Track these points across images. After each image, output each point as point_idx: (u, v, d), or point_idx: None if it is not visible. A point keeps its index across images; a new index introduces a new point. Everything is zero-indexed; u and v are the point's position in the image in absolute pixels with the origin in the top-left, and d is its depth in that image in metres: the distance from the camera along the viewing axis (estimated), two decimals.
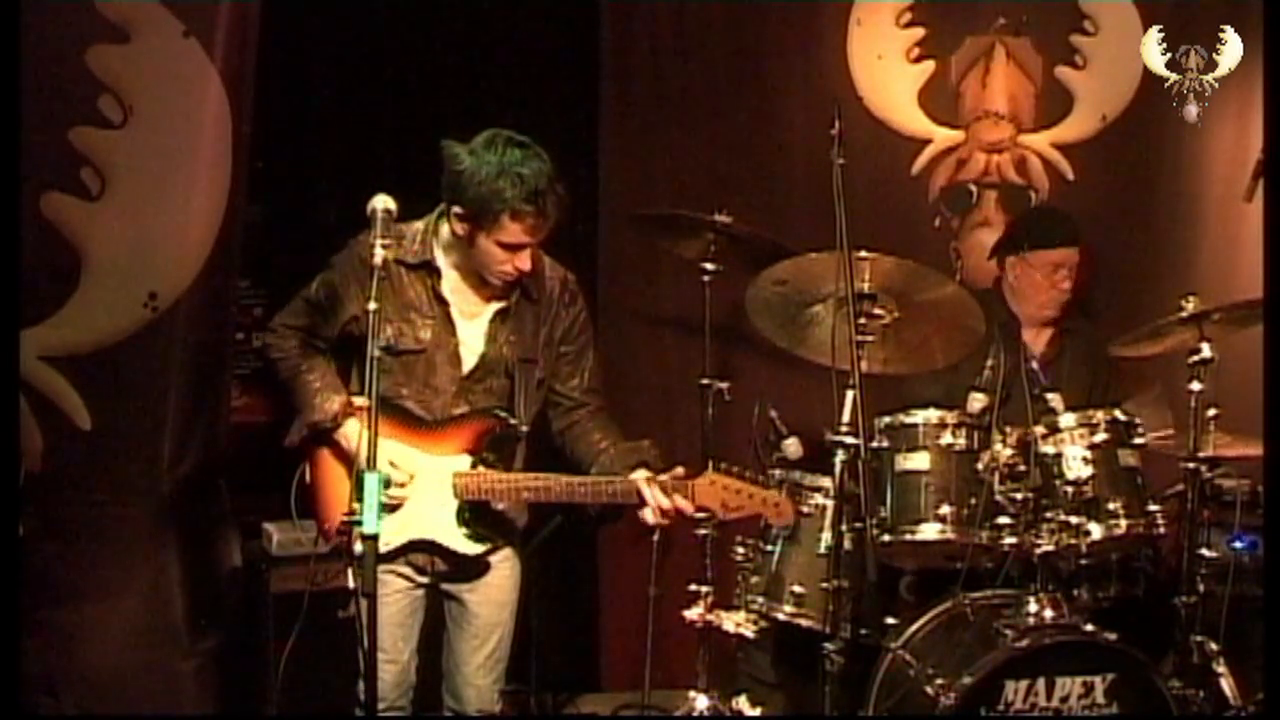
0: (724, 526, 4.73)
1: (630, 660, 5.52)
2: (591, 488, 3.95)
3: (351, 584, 3.76)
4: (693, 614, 4.64)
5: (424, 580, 4.09)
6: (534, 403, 4.08)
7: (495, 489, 3.94)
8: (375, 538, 3.42)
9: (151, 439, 5.02)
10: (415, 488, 3.92)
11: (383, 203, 3.63)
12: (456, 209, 3.85)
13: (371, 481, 3.39)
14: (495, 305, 4.01)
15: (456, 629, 4.16)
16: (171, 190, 5.09)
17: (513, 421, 3.99)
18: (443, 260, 3.98)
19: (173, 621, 5.05)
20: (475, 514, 3.98)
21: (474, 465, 3.95)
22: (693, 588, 4.66)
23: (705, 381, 4.70)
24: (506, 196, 3.75)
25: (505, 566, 4.14)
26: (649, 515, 3.93)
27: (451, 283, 3.99)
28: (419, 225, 3.99)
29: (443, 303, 3.97)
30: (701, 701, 4.68)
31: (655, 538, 5.20)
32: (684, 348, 5.44)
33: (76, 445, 5.04)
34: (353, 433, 3.89)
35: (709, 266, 4.74)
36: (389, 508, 3.84)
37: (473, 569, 4.07)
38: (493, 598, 4.14)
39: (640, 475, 3.92)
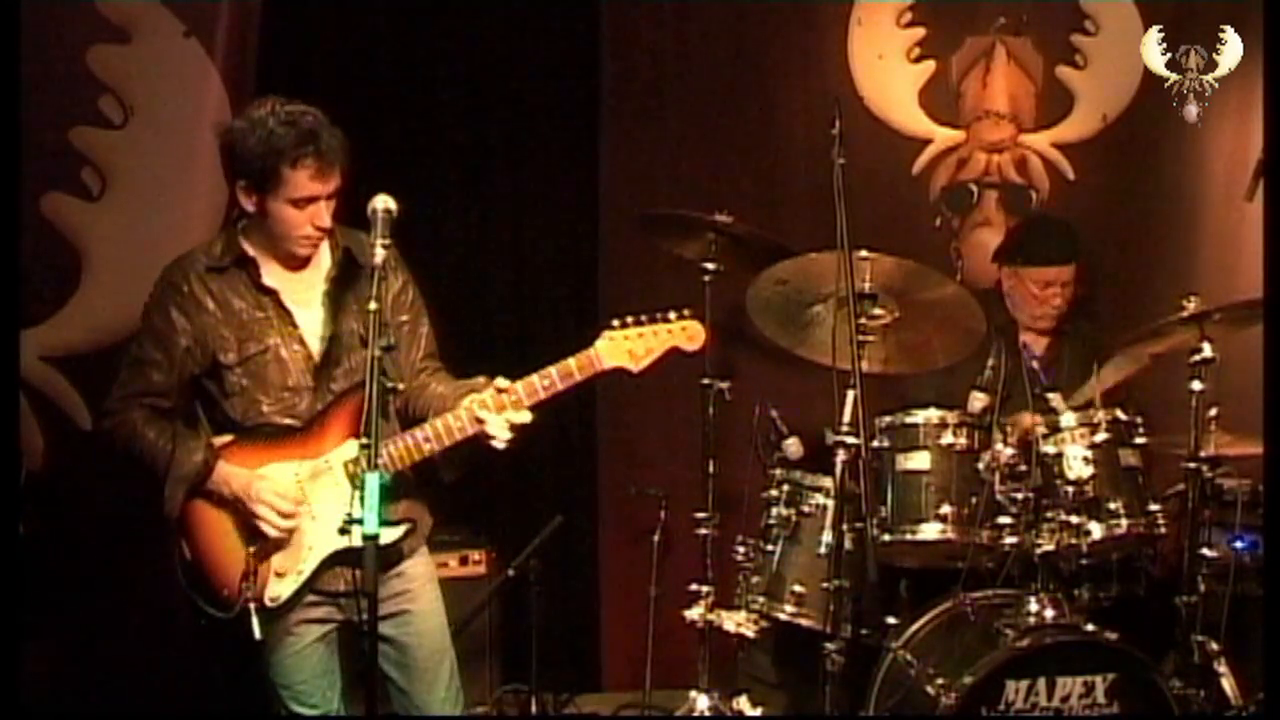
0: (724, 527, 4.74)
1: (631, 660, 5.52)
2: (468, 419, 3.70)
3: (258, 635, 3.69)
4: (693, 614, 4.63)
5: (340, 617, 3.83)
6: (413, 355, 3.90)
7: (394, 456, 3.71)
8: (376, 538, 3.38)
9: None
10: (311, 503, 3.74)
11: (383, 203, 3.59)
12: (241, 182, 3.69)
13: (372, 481, 3.37)
14: (322, 284, 3.81)
15: (401, 672, 3.89)
16: (171, 190, 5.10)
17: (390, 384, 3.66)
18: (253, 251, 3.79)
19: (173, 621, 5.05)
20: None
21: (362, 448, 3.60)
22: (693, 588, 4.66)
23: (705, 381, 4.69)
24: (281, 146, 3.61)
25: (429, 590, 3.94)
26: (497, 442, 3.70)
27: (270, 270, 3.79)
28: (220, 235, 3.86)
29: (269, 293, 3.78)
30: (702, 701, 4.68)
31: (656, 538, 5.22)
32: None
33: (77, 445, 5.05)
34: (230, 473, 3.73)
35: (709, 266, 4.74)
36: (282, 542, 3.72)
37: (388, 561, 3.79)
38: (430, 625, 3.93)
39: (478, 398, 3.70)
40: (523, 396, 3.73)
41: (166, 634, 5.04)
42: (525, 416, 3.73)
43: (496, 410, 3.71)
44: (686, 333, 3.89)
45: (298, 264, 3.81)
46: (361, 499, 3.38)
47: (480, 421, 3.70)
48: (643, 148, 5.83)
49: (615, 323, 3.83)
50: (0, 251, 3.88)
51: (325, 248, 3.84)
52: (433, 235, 5.58)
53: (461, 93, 5.74)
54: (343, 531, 3.60)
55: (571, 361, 3.78)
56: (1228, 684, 4.41)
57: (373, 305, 3.47)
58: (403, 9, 5.59)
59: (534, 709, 5.28)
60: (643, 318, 3.84)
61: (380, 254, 3.52)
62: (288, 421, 3.78)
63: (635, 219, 5.24)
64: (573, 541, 5.61)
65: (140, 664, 5.10)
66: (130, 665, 5.11)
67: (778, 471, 4.72)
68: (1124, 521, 4.45)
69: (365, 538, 3.37)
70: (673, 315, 3.87)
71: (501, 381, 3.74)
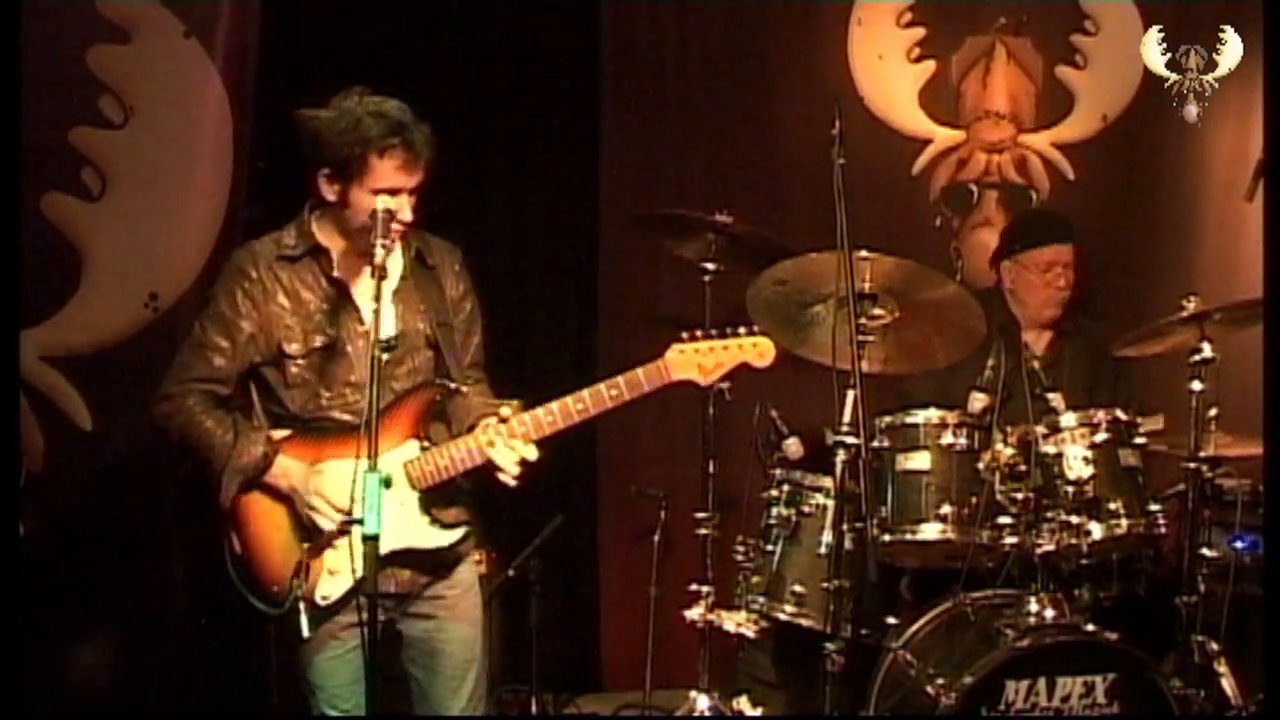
0: (724, 527, 4.74)
1: (631, 660, 5.52)
2: (477, 448, 3.68)
3: (306, 633, 3.65)
4: (693, 614, 4.63)
5: (382, 618, 3.64)
6: (463, 361, 3.87)
7: (454, 460, 3.69)
8: (376, 538, 3.36)
9: (152, 439, 5.01)
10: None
11: (383, 203, 3.59)
12: (324, 170, 3.63)
13: (372, 482, 3.36)
14: (394, 282, 3.75)
15: (428, 674, 3.85)
16: (171, 190, 5.10)
17: (452, 385, 3.74)
18: (326, 241, 3.75)
19: (174, 621, 5.06)
20: (436, 499, 3.73)
21: (422, 449, 3.71)
22: (693, 588, 4.66)
23: None
24: (370, 135, 3.57)
25: (470, 596, 3.91)
26: (505, 477, 3.68)
27: (341, 263, 3.74)
28: (292, 224, 3.78)
29: (338, 285, 3.74)
30: (702, 701, 4.68)
31: (656, 538, 5.22)
32: None
33: (77, 445, 5.05)
34: (289, 467, 3.69)
35: (709, 266, 4.74)
36: (337, 540, 3.66)
37: (443, 565, 3.83)
38: (463, 633, 3.88)
39: (488, 423, 3.66)
40: (589, 406, 3.70)
41: (167, 634, 5.05)
42: (531, 453, 3.68)
43: (505, 441, 3.66)
44: (758, 349, 3.84)
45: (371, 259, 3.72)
46: (367, 499, 3.36)
47: (492, 444, 3.66)
48: (643, 148, 5.84)
49: (685, 335, 3.79)
50: (0, 251, 3.88)
51: (399, 249, 3.76)
52: (432, 235, 5.57)
53: (461, 92, 5.73)
54: (342, 531, 3.62)
55: (640, 372, 3.74)
56: (1228, 684, 4.41)
57: (373, 305, 3.46)
58: (403, 9, 5.59)
59: (534, 709, 5.28)
60: (713, 331, 3.81)
61: (380, 254, 3.49)
62: (346, 418, 3.72)
63: (635, 219, 5.24)
64: (573, 541, 5.61)
65: (140, 664, 5.09)
66: (130, 665, 5.10)
67: (778, 471, 4.72)
68: (1124, 521, 4.45)
69: (365, 538, 3.35)
70: (743, 331, 3.84)
71: (505, 410, 3.69)
